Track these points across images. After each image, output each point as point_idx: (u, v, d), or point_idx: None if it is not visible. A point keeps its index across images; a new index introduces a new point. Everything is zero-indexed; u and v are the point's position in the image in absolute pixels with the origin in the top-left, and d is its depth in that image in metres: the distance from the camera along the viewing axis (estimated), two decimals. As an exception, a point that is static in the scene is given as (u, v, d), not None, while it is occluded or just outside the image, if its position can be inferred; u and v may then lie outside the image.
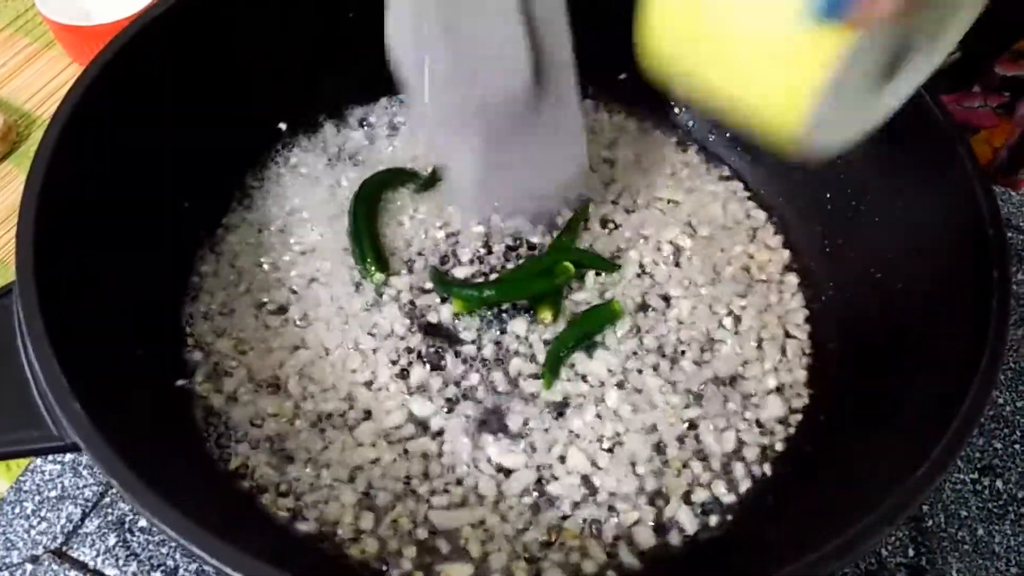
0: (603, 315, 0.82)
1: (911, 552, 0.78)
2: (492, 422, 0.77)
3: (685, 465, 0.76)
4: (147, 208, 0.79)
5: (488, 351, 0.81)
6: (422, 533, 0.71)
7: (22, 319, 0.60)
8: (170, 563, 0.75)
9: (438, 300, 0.84)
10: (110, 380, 0.64)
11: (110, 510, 0.77)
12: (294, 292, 0.84)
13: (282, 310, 0.83)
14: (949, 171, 0.73)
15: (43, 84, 1.12)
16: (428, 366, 0.80)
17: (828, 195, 0.88)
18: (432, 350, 0.81)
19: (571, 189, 0.81)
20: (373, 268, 0.84)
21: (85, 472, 0.79)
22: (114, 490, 0.77)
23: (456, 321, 0.83)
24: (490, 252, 0.87)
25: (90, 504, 0.77)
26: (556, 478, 0.74)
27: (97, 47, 0.75)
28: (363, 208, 0.87)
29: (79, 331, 0.63)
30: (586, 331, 0.81)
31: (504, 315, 0.83)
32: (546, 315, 0.81)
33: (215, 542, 0.52)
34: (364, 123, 0.97)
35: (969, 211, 0.70)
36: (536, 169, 0.75)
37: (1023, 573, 0.77)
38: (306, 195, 0.91)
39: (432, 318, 0.83)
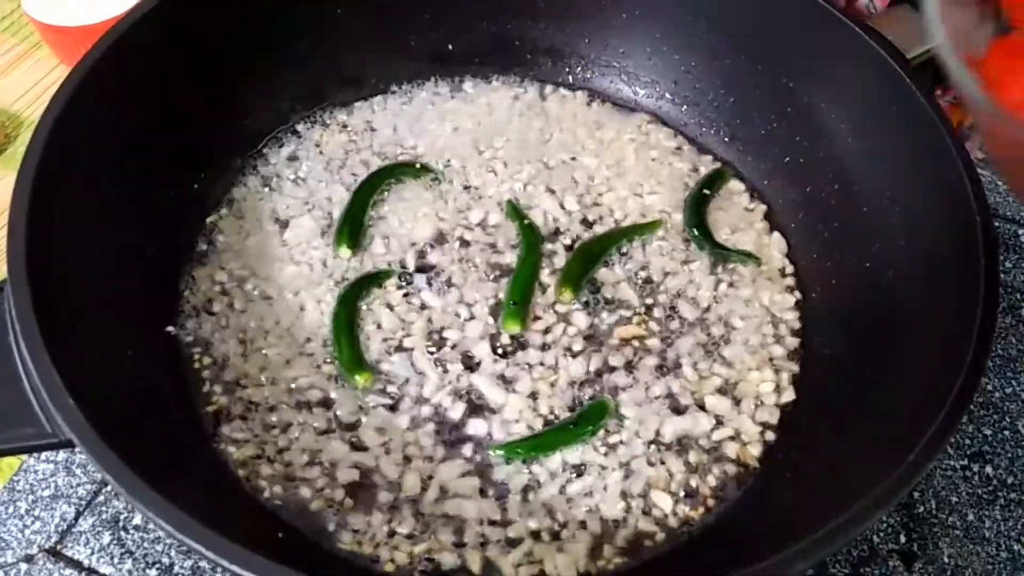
0: None
1: (903, 538, 0.78)
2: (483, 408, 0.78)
3: (678, 455, 0.76)
4: (136, 206, 0.79)
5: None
6: (415, 522, 0.72)
7: (14, 316, 0.59)
8: (165, 560, 0.75)
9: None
10: (103, 376, 0.64)
11: (104, 508, 0.77)
12: (285, 287, 0.84)
13: (271, 306, 0.83)
14: (937, 162, 0.74)
15: (31, 85, 1.11)
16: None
17: (815, 184, 0.89)
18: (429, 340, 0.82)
19: None
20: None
21: (78, 471, 0.79)
22: (108, 487, 0.77)
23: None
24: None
25: (84, 502, 0.77)
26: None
27: (85, 47, 0.75)
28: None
29: (71, 328, 0.63)
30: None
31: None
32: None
33: (213, 536, 0.52)
34: (346, 126, 0.98)
35: (957, 200, 0.71)
36: None
37: (1013, 557, 0.78)
38: (294, 193, 0.91)
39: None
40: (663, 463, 0.76)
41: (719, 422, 0.79)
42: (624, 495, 0.74)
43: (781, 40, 0.89)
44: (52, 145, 0.68)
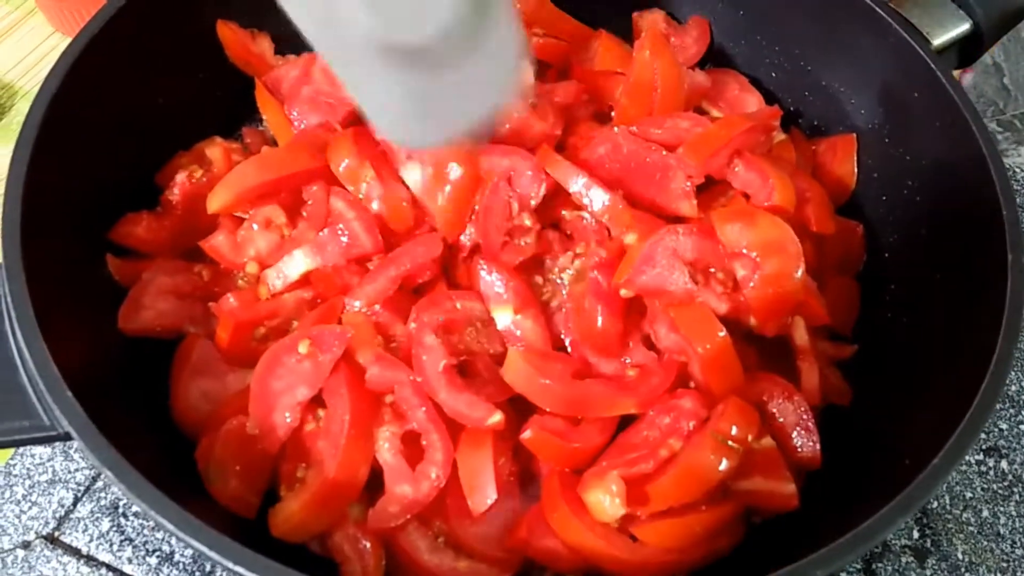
0: None
1: (916, 534, 0.77)
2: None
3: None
4: (135, 183, 0.77)
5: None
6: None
7: (10, 304, 0.57)
8: (165, 548, 0.73)
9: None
10: (100, 367, 0.62)
11: (103, 494, 0.75)
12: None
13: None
14: (962, 149, 0.71)
15: (25, 54, 1.08)
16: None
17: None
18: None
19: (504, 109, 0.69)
20: None
21: (77, 456, 0.77)
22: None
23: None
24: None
25: (82, 488, 0.76)
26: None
27: (80, 15, 0.73)
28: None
29: (69, 314, 0.61)
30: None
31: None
32: None
33: (212, 534, 0.51)
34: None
35: (980, 188, 0.69)
36: (471, 94, 0.67)
37: (1028, 554, 0.77)
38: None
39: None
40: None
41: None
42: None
43: (800, 21, 0.86)
44: (47, 128, 0.66)
